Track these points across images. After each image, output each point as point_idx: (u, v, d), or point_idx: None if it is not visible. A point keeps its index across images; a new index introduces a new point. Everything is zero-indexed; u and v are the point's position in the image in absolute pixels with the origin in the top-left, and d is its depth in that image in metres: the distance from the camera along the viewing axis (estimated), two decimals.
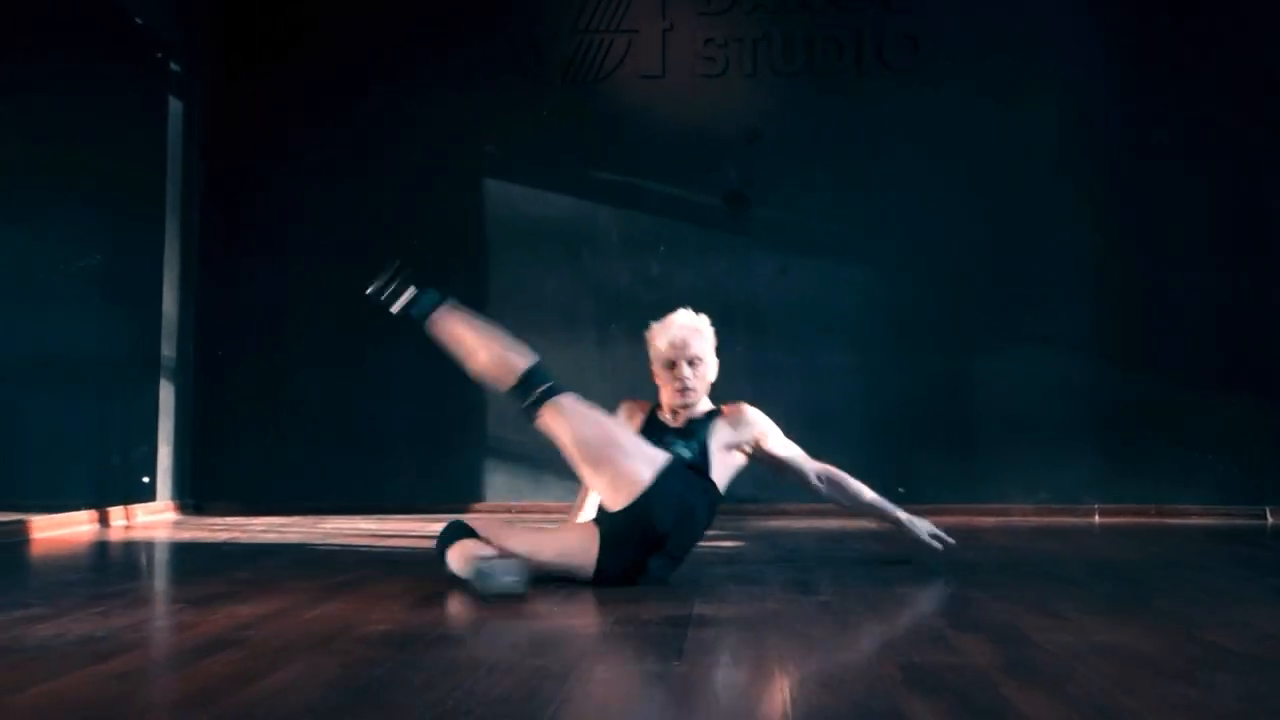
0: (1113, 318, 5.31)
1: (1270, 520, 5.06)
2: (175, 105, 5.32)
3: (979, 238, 5.37)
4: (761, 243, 5.42)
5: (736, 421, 3.07)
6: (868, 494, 3.27)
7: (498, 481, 5.44)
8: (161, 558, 3.85)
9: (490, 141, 5.56)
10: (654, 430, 3.05)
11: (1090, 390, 5.29)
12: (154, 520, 5.03)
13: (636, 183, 5.48)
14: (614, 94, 5.51)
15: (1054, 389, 5.30)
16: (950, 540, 3.29)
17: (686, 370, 3.05)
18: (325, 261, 5.54)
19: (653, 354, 3.13)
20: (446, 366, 5.39)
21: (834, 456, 5.38)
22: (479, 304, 5.44)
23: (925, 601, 2.72)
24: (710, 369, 3.13)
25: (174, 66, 5.30)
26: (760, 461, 3.14)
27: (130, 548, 4.08)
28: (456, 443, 5.48)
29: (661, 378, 3.10)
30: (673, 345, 3.07)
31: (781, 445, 3.17)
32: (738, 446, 3.07)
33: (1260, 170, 5.27)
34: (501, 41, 5.56)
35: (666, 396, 3.10)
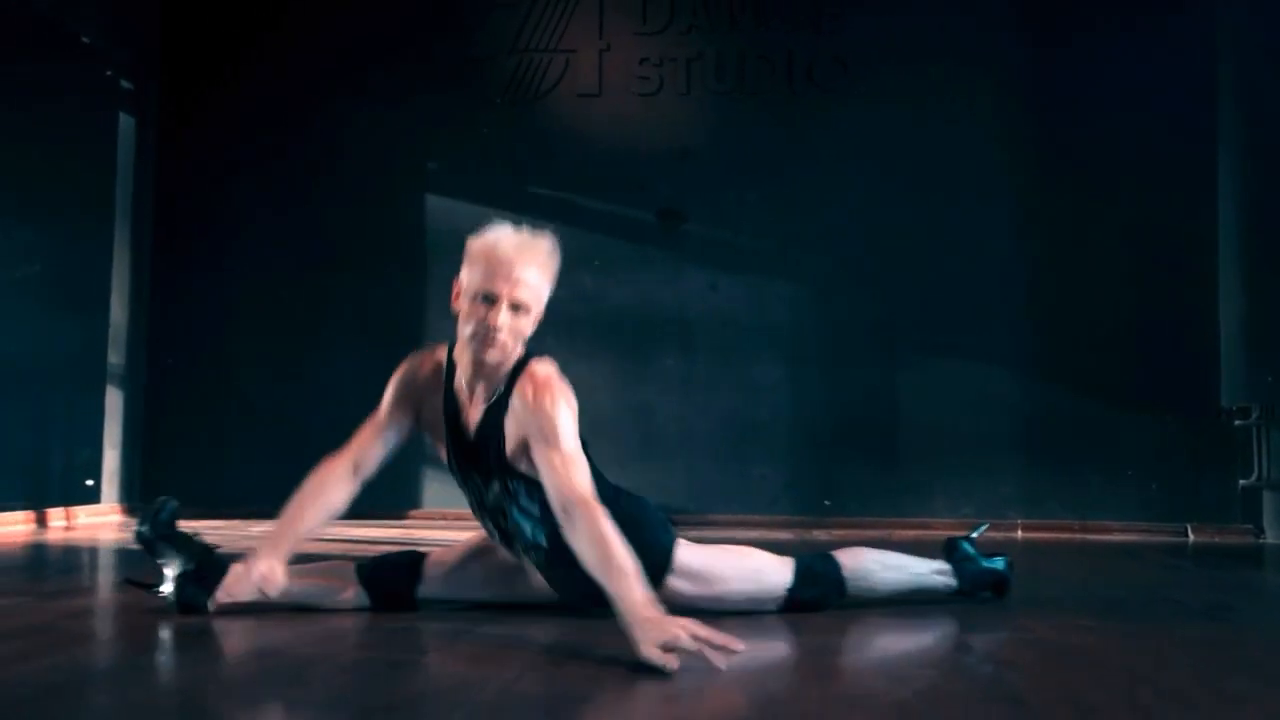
0: (1039, 334, 5.35)
1: (1192, 538, 5.07)
2: (126, 121, 5.52)
3: (907, 254, 5.43)
4: (693, 258, 5.51)
5: (526, 400, 2.23)
6: (614, 559, 1.98)
7: (436, 490, 5.56)
8: (66, 558, 4.00)
9: (432, 158, 5.70)
10: (454, 429, 2.37)
11: (1015, 406, 5.33)
12: (97, 522, 5.20)
13: (572, 199, 5.60)
14: (552, 112, 5.64)
15: (979, 404, 5.35)
16: (716, 648, 1.84)
17: (504, 315, 2.19)
18: (271, 272, 5.71)
19: (465, 276, 2.27)
20: (388, 373, 5.59)
21: (761, 467, 5.62)
22: (419, 314, 5.68)
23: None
24: (535, 320, 2.26)
25: (124, 84, 5.50)
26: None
27: (42, 550, 4.24)
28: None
29: (466, 312, 2.24)
30: (497, 275, 2.19)
31: (544, 450, 2.18)
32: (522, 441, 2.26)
33: (1183, 191, 5.30)
34: (442, 60, 5.71)
35: (466, 340, 2.25)
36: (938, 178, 5.44)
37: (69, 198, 5.19)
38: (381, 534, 4.70)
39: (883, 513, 5.30)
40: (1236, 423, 5.06)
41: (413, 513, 5.52)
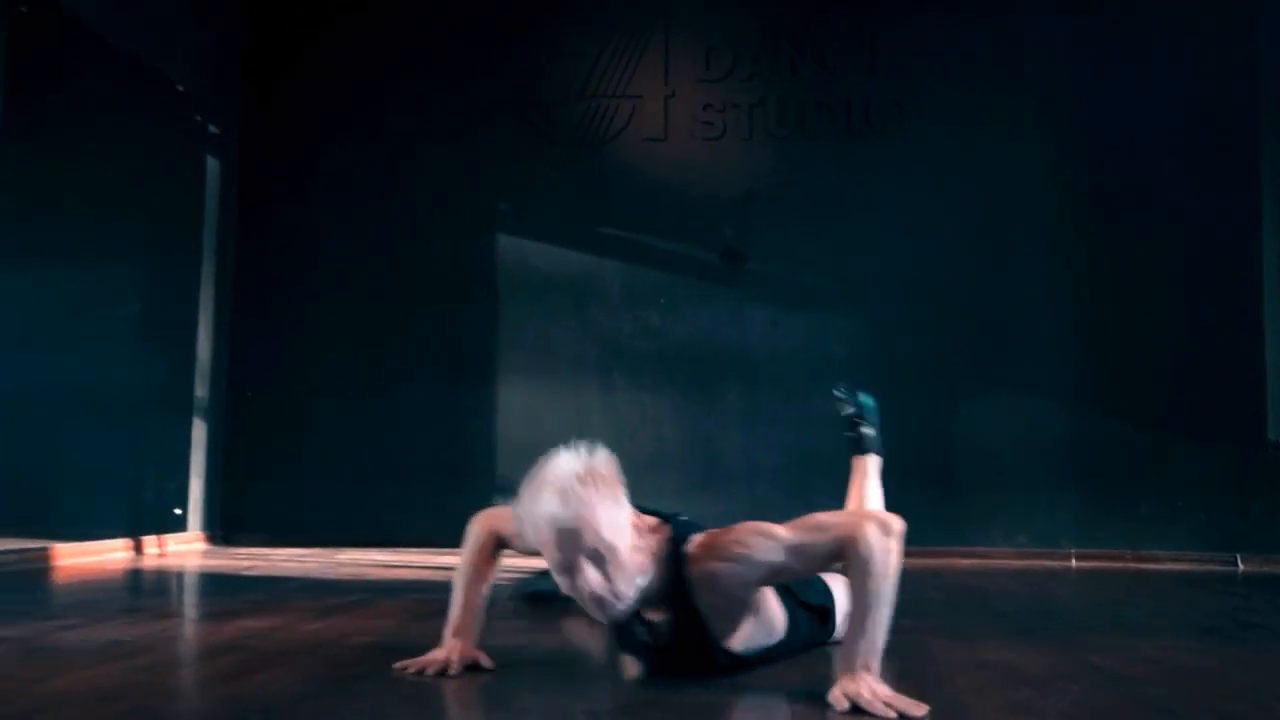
0: (1093, 366, 5.56)
1: (1241, 568, 5.26)
2: (212, 164, 5.77)
3: (963, 289, 5.66)
4: (754, 296, 5.74)
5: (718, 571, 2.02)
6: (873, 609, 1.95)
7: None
8: (188, 582, 4.20)
9: (502, 198, 5.94)
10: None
11: (1068, 438, 5.54)
12: (185, 549, 5.40)
13: (638, 239, 5.84)
14: (618, 155, 5.89)
15: (1033, 436, 5.56)
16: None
17: (591, 577, 1.93)
18: (346, 307, 5.95)
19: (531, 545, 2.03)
20: (459, 405, 5.82)
21: (822, 500, 5.80)
22: (490, 349, 5.91)
23: None
24: (623, 546, 1.96)
25: (211, 128, 5.75)
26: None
27: (160, 574, 4.44)
28: (468, 479, 5.82)
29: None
30: (559, 564, 1.95)
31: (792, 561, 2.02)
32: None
33: (1229, 226, 5.53)
34: (513, 103, 5.96)
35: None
36: (991, 215, 5.68)
37: (162, 238, 5.43)
38: (454, 560, 4.90)
39: (941, 542, 5.50)
40: None
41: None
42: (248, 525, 5.84)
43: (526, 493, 1.96)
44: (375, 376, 5.91)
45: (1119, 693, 2.09)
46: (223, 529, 5.84)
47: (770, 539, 2.01)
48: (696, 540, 2.06)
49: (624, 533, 1.96)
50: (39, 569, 4.30)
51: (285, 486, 5.91)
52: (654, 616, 2.10)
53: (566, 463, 1.97)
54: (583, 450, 2.00)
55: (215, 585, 4.06)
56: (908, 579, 3.76)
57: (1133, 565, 5.29)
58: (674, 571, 2.02)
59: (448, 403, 5.90)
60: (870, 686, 1.88)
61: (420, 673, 2.15)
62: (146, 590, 3.95)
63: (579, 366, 5.81)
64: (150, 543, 5.19)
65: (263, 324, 5.98)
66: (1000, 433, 5.58)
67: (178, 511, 5.50)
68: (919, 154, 5.73)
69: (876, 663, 1.93)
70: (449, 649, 2.22)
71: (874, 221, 5.74)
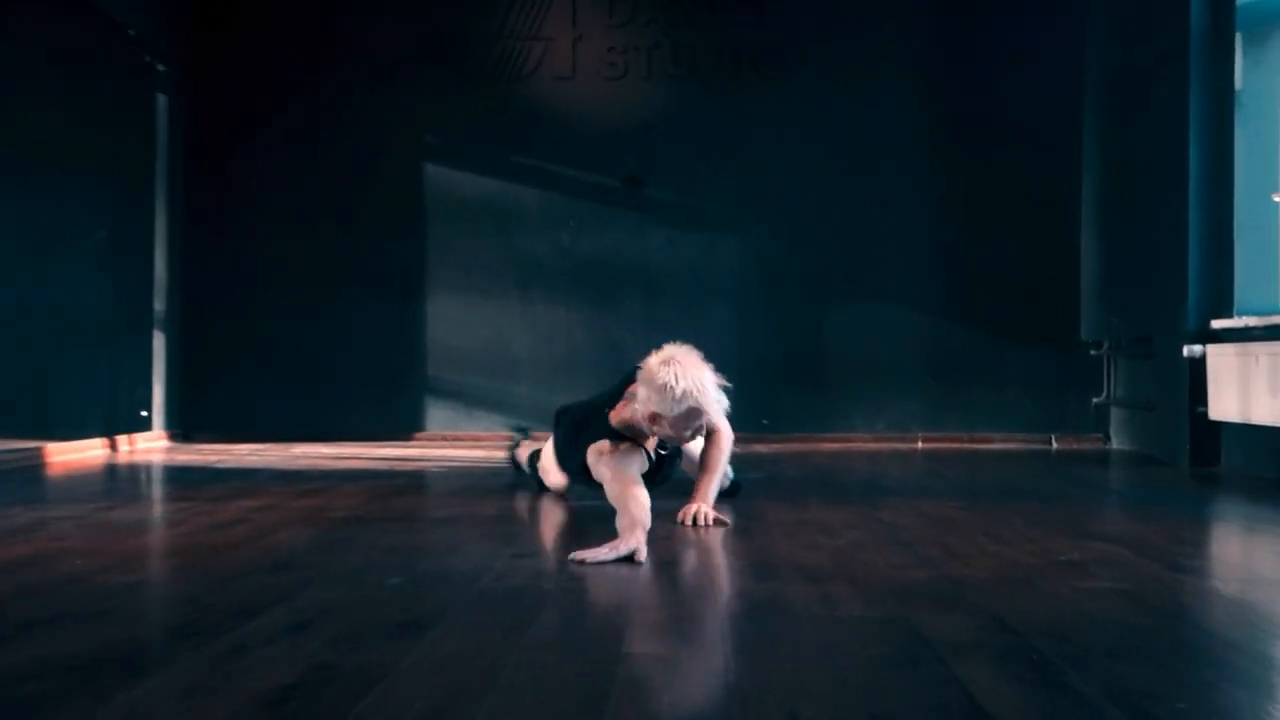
0: (943, 279, 6.51)
1: (1055, 446, 6.33)
2: (161, 99, 6.33)
3: (833, 211, 6.54)
4: (653, 218, 6.55)
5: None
6: (717, 469, 3.39)
7: (438, 415, 6.59)
8: (176, 474, 4.97)
9: (430, 131, 6.62)
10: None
11: (921, 339, 6.51)
12: (151, 447, 6.13)
13: (551, 167, 6.58)
14: (533, 92, 6.59)
15: (892, 338, 6.52)
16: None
17: (689, 435, 3.14)
18: (290, 228, 6.62)
19: (651, 410, 3.04)
20: (394, 317, 6.58)
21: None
22: (421, 267, 6.65)
23: (724, 500, 3.91)
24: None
25: (160, 67, 6.30)
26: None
27: (145, 467, 5.19)
28: (403, 382, 6.61)
29: (649, 426, 3.12)
30: (683, 423, 3.05)
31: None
32: None
33: (1056, 160, 6.45)
34: (438, 46, 6.59)
35: (647, 432, 3.18)
36: (859, 147, 6.54)
37: (119, 171, 6.01)
38: (395, 452, 5.73)
39: (811, 429, 6.47)
40: (1092, 353, 6.30)
41: (417, 435, 6.54)
42: (204, 425, 6.58)
43: (669, 373, 2.99)
44: (317, 292, 6.62)
45: (882, 534, 3.02)
46: (182, 428, 6.56)
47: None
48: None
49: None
50: (36, 464, 5.02)
51: (238, 390, 6.64)
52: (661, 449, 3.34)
53: (694, 359, 3.09)
54: (687, 347, 3.12)
55: (199, 476, 4.82)
56: (777, 460, 4.76)
57: (969, 446, 6.33)
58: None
59: (384, 315, 6.65)
60: (704, 510, 3.19)
61: (601, 563, 2.55)
62: (147, 480, 4.71)
63: (501, 282, 6.59)
64: (123, 441, 5.91)
65: (214, 246, 6.62)
66: (863, 336, 6.53)
67: (144, 414, 6.21)
68: (798, 94, 6.53)
69: (712, 498, 3.27)
70: (637, 540, 2.67)
71: (758, 152, 6.55)
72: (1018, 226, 6.48)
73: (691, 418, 3.05)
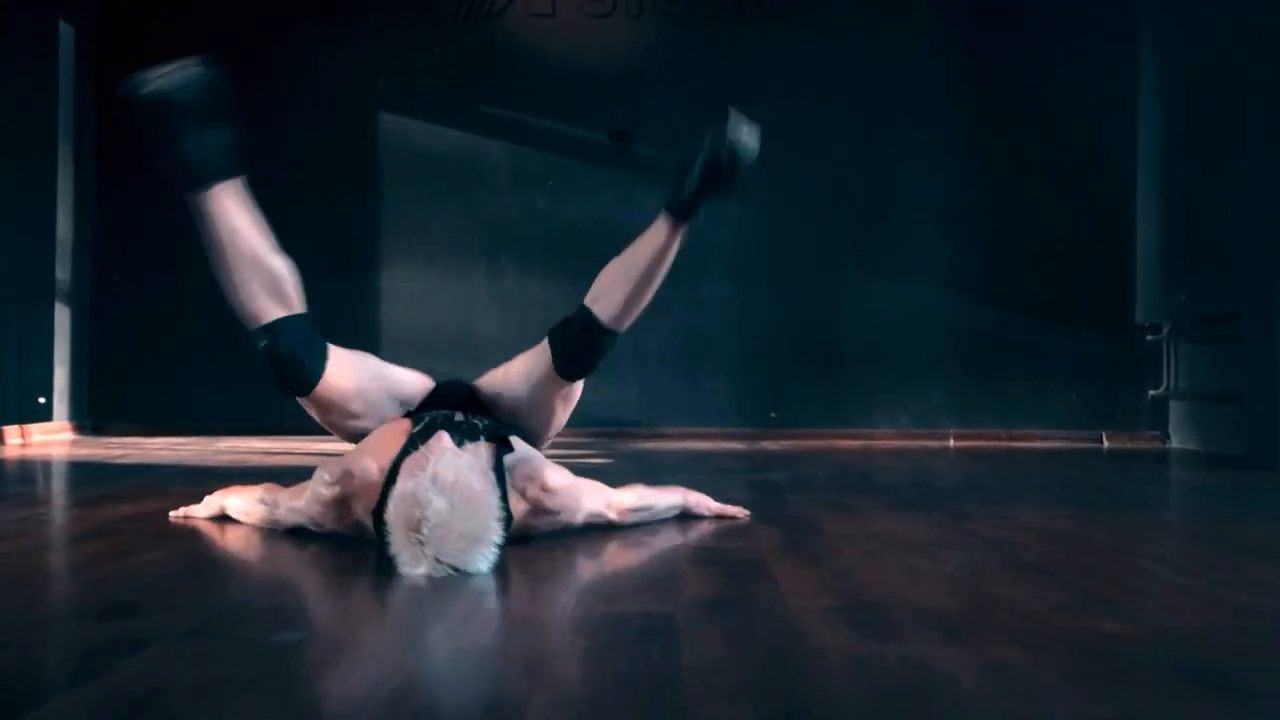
0: (973, 253, 5.66)
1: (1106, 445, 5.50)
2: (65, 30, 5.37)
3: (851, 175, 5.68)
4: (644, 179, 5.64)
5: None
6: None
7: None
8: (55, 471, 4.03)
9: (384, 77, 5.70)
10: None
11: (949, 323, 5.66)
12: (51, 440, 5.17)
13: (525, 119, 5.67)
14: (504, 31, 5.67)
15: (916, 321, 5.66)
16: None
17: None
18: None
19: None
20: (343, 292, 5.64)
21: (711, 381, 5.87)
22: (373, 235, 5.73)
23: (750, 506, 3.04)
24: None
25: None
26: None
27: (23, 463, 4.24)
28: None
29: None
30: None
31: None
32: None
33: (1115, 112, 5.63)
34: None
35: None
36: (880, 103, 5.68)
37: (8, 108, 5.05)
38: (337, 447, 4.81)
39: (826, 424, 5.61)
40: (1149, 338, 5.48)
41: None
42: (120, 415, 5.62)
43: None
44: None
45: (999, 556, 2.15)
46: (92, 418, 5.60)
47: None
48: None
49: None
50: None
51: (159, 374, 5.68)
52: None
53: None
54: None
55: (85, 473, 3.89)
56: (793, 459, 3.81)
57: (1006, 444, 5.48)
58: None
59: (331, 289, 5.65)
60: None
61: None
62: (9, 479, 3.77)
63: (465, 251, 5.68)
64: (12, 433, 4.95)
65: (130, 204, 5.65)
66: (883, 317, 5.67)
67: (41, 400, 5.25)
68: (809, 37, 5.66)
69: None
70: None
71: (764, 105, 5.60)
72: (1063, 192, 5.64)
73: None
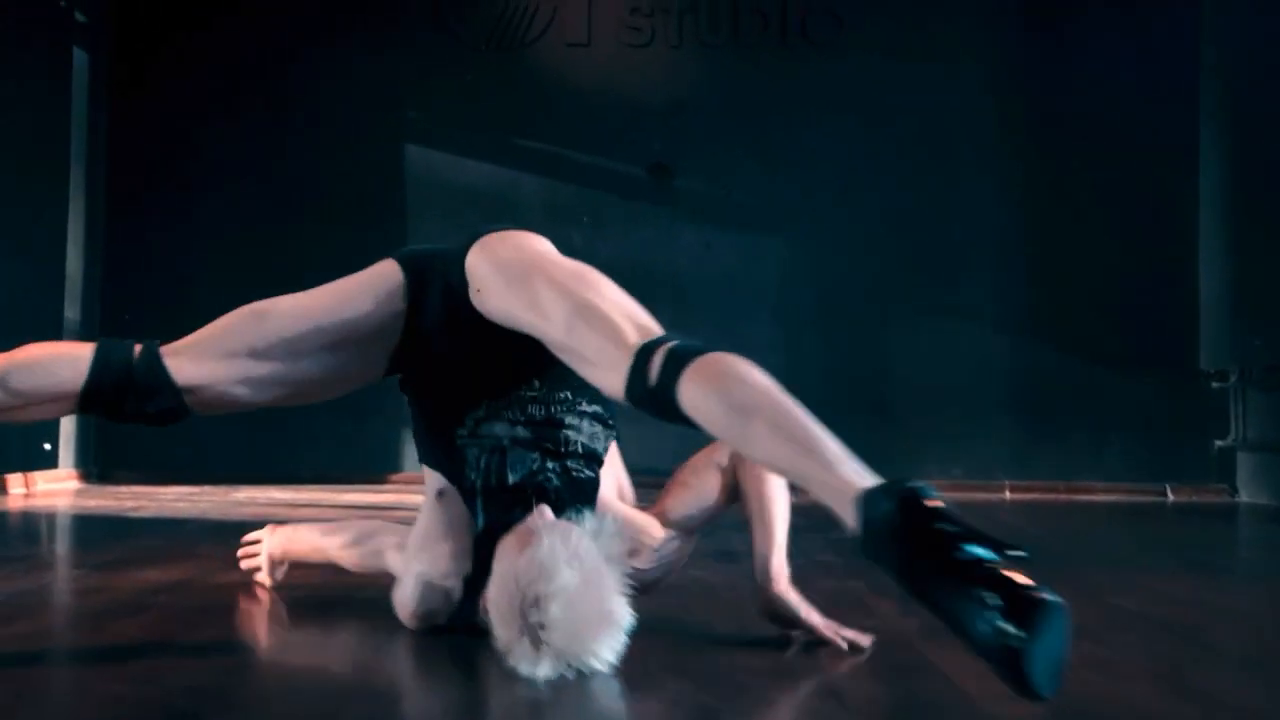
0: (1027, 297, 5.41)
1: (1171, 498, 5.22)
2: (80, 57, 5.13)
3: (900, 212, 5.43)
4: (685, 215, 5.42)
5: None
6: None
7: (415, 452, 5.36)
8: (67, 526, 3.72)
9: (412, 107, 5.47)
10: None
11: (1004, 368, 5.40)
12: (56, 489, 4.87)
13: (560, 152, 5.44)
14: (538, 61, 5.45)
15: (969, 365, 5.39)
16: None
17: None
18: (238, 225, 5.41)
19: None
20: None
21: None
22: None
23: (844, 570, 2.74)
24: None
25: (80, 17, 5.11)
26: None
27: (30, 516, 3.94)
28: (375, 411, 5.37)
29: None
30: None
31: None
32: None
33: (1167, 158, 5.40)
34: (422, 2, 5.46)
35: None
36: (930, 137, 5.45)
37: (24, 142, 4.79)
38: (364, 498, 4.52)
39: (875, 473, 5.30)
40: (1215, 385, 5.21)
41: (392, 476, 5.32)
42: (127, 462, 5.31)
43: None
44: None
45: (1168, 638, 1.86)
46: (99, 466, 5.30)
47: None
48: None
49: None
50: None
51: None
52: None
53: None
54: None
55: (100, 529, 3.59)
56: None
57: (1065, 496, 5.20)
58: None
59: None
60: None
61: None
62: (18, 536, 3.46)
63: None
64: (15, 481, 4.64)
65: (142, 240, 5.40)
66: (934, 361, 5.40)
67: (46, 446, 4.95)
68: (855, 68, 5.44)
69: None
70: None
71: (808, 138, 5.45)
72: (1123, 232, 5.39)
73: None
